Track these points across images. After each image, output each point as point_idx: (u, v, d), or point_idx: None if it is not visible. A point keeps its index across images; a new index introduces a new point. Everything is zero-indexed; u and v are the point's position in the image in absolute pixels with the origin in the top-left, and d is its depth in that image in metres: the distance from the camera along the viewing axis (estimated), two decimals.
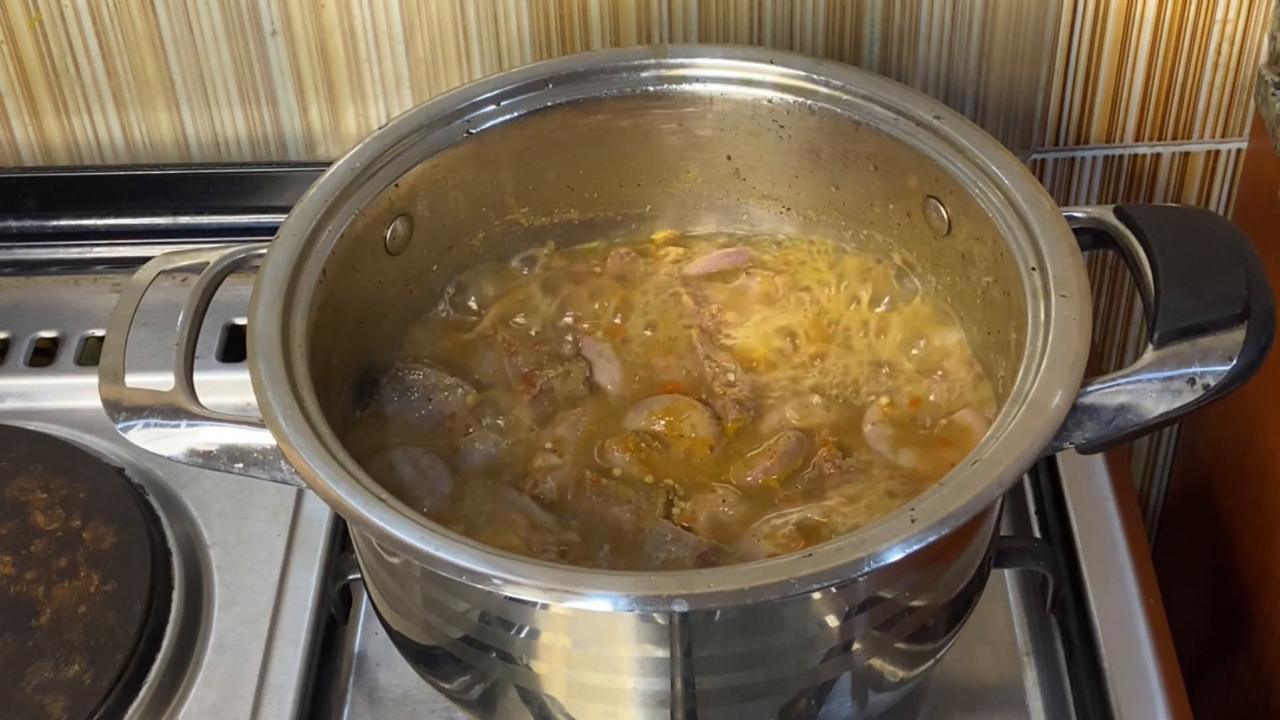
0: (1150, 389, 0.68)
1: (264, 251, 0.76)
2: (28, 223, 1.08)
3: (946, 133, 0.79)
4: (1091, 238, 0.77)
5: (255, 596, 0.86)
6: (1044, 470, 0.91)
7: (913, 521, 0.63)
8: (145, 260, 0.80)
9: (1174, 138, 1.07)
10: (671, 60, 0.85)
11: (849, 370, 0.82)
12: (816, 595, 0.66)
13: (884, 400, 0.80)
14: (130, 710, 0.81)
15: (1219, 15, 1.01)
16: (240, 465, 0.70)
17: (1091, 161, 1.08)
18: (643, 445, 0.78)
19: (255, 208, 1.06)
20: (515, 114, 0.84)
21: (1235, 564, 1.04)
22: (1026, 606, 0.86)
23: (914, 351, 0.83)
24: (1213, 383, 0.68)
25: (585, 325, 0.85)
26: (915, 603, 0.70)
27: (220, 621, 0.86)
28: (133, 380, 0.73)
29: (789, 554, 0.63)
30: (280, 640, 0.84)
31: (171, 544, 0.88)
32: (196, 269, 0.79)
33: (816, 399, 0.80)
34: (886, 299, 0.85)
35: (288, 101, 1.06)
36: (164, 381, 0.72)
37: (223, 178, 1.07)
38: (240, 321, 0.99)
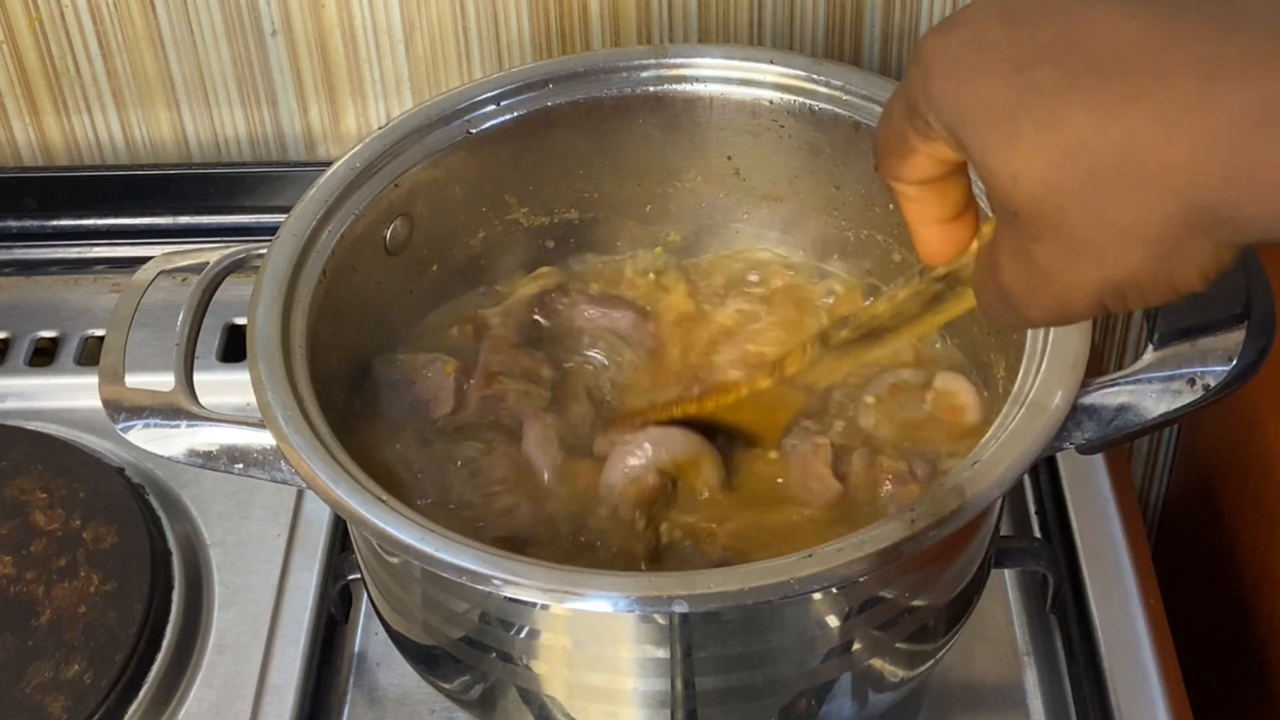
0: (1150, 389, 0.68)
1: (264, 251, 0.76)
2: (28, 223, 1.08)
3: None
4: None
5: (255, 596, 0.87)
6: (1044, 470, 0.91)
7: (913, 521, 0.63)
8: (145, 260, 0.80)
9: None
10: (671, 60, 0.85)
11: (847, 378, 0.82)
12: (816, 596, 0.66)
13: (869, 399, 0.80)
14: (130, 710, 0.81)
15: None
16: (240, 465, 0.70)
17: None
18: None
19: (255, 208, 1.06)
20: (515, 114, 0.84)
21: (1235, 564, 1.04)
22: (1026, 606, 0.86)
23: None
24: (1213, 383, 0.68)
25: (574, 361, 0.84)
26: (915, 603, 0.70)
27: (220, 621, 0.86)
28: (133, 380, 0.73)
29: (790, 555, 0.63)
30: (280, 640, 0.84)
31: (171, 544, 0.88)
32: (196, 269, 0.79)
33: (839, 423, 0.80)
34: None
35: (288, 101, 1.06)
36: (164, 381, 0.72)
37: (223, 178, 1.07)
38: (240, 321, 0.99)
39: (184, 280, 0.82)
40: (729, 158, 0.87)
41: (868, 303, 0.65)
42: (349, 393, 0.81)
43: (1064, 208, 0.46)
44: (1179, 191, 0.44)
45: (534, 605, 0.65)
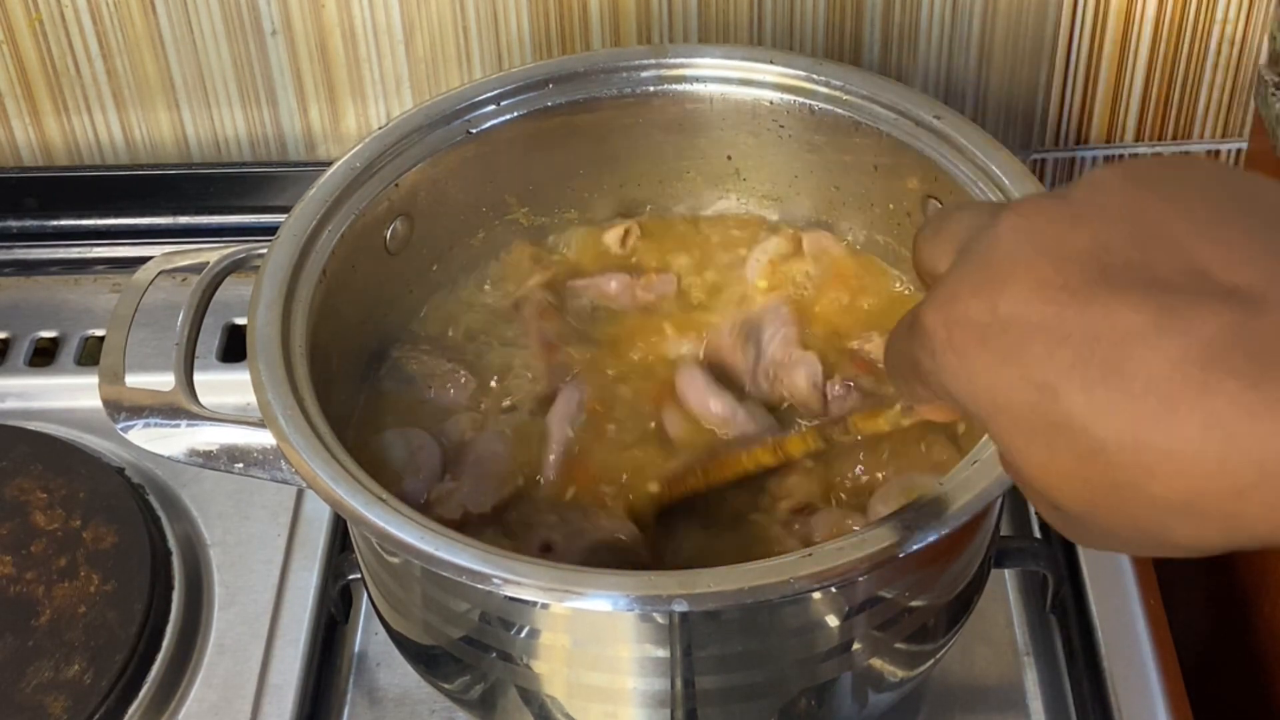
0: None
1: (264, 251, 0.76)
2: (28, 223, 1.08)
3: (946, 133, 0.79)
4: None
5: (255, 596, 0.87)
6: None
7: (913, 521, 0.63)
8: (145, 260, 0.80)
9: (1174, 138, 1.07)
10: (671, 60, 0.85)
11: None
12: (816, 595, 0.66)
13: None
14: (130, 710, 0.81)
15: (1219, 15, 1.01)
16: (240, 465, 0.70)
17: (1091, 161, 1.08)
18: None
19: (255, 208, 1.06)
20: (515, 114, 0.84)
21: (1235, 564, 1.04)
22: (1026, 606, 0.86)
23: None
24: None
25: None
26: (915, 603, 0.70)
27: (220, 621, 0.86)
28: (133, 380, 0.73)
29: (789, 554, 0.63)
30: (280, 640, 0.84)
31: (171, 544, 0.88)
32: (196, 269, 0.79)
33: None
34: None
35: (288, 101, 1.06)
36: (164, 381, 0.72)
37: (223, 178, 1.07)
38: (240, 321, 1.00)
39: (184, 280, 0.83)
40: (729, 158, 0.87)
41: (870, 414, 0.67)
42: (355, 383, 0.81)
43: (1102, 526, 0.45)
44: (1222, 520, 0.42)
45: (534, 604, 0.65)
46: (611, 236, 0.88)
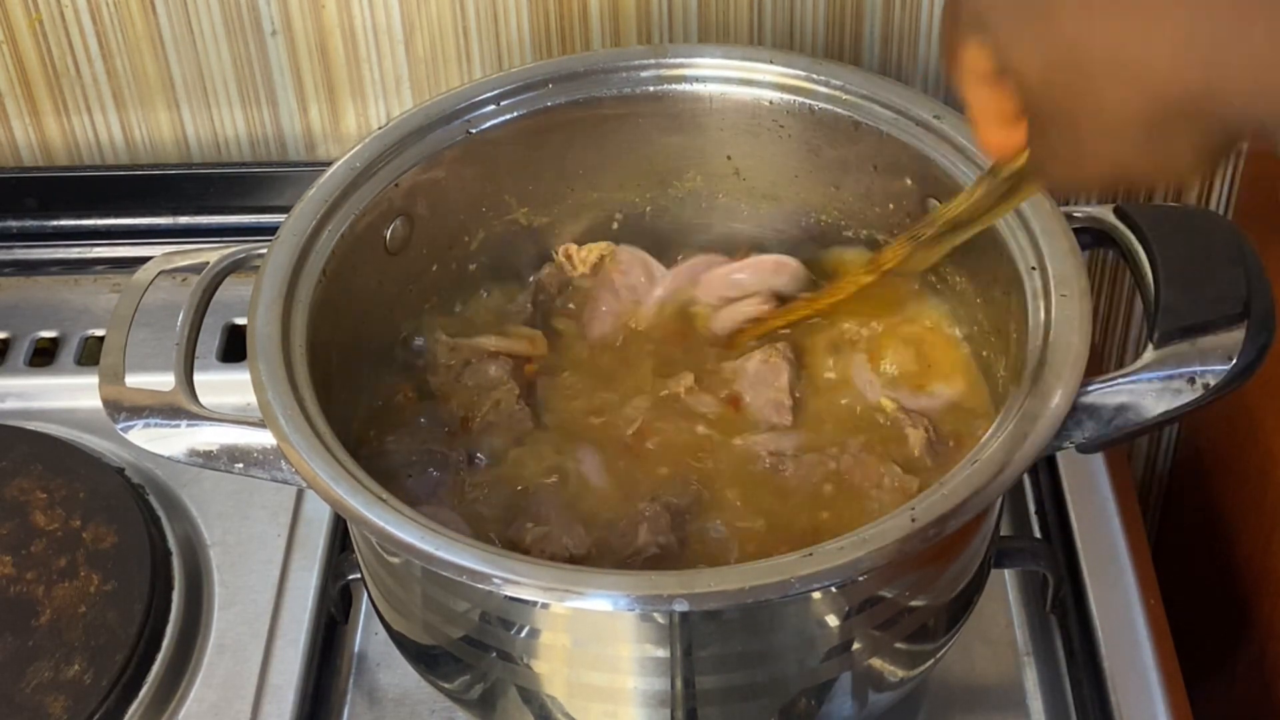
0: (1150, 388, 0.68)
1: (264, 251, 0.76)
2: (28, 223, 1.08)
3: (946, 133, 0.79)
4: (1091, 237, 0.77)
5: (255, 596, 0.87)
6: (1044, 470, 0.91)
7: (913, 521, 0.63)
8: (145, 260, 0.80)
9: None
10: (671, 60, 0.85)
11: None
12: (816, 595, 0.66)
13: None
14: (130, 710, 0.81)
15: None
16: (240, 465, 0.70)
17: None
18: None
19: (255, 208, 1.06)
20: (515, 114, 0.84)
21: (1235, 564, 1.04)
22: (1026, 606, 0.86)
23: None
24: (1213, 382, 0.68)
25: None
26: (915, 602, 0.70)
27: (220, 621, 0.86)
28: (133, 380, 0.73)
29: (789, 554, 0.63)
30: (280, 640, 0.84)
31: (171, 544, 0.88)
32: (196, 269, 0.79)
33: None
34: None
35: (288, 101, 1.06)
36: (164, 381, 0.72)
37: (223, 178, 1.07)
38: (240, 321, 0.99)
39: (184, 280, 0.82)
40: (729, 158, 0.87)
41: (949, 203, 0.74)
42: (352, 387, 0.81)
43: (1063, 98, 0.54)
44: (1161, 85, 0.51)
45: (534, 604, 0.65)
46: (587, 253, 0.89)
